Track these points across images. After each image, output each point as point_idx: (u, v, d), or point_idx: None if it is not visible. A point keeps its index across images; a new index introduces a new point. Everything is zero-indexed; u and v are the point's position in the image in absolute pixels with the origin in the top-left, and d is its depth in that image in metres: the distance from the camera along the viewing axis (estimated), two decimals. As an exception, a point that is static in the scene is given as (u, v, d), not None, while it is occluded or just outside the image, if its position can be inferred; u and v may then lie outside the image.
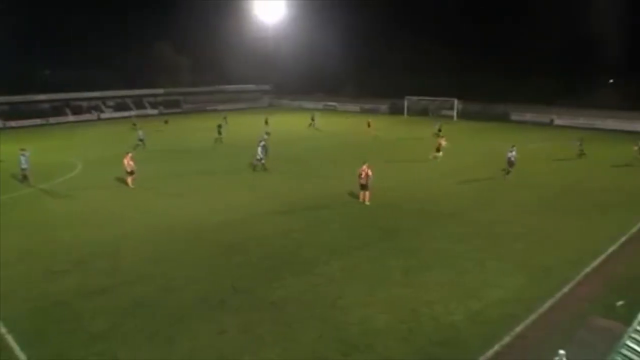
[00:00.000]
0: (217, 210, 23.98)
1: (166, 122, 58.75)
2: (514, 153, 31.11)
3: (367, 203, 24.46)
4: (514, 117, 63.58)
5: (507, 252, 18.34)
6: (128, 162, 28.62)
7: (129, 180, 28.79)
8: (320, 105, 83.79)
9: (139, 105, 78.86)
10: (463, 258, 17.70)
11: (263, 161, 32.69)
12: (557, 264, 17.13)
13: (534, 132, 51.09)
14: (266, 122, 55.16)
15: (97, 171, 33.57)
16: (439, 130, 48.16)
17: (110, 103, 77.01)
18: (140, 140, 43.30)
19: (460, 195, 26.78)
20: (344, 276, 16.24)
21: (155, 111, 78.46)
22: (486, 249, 18.58)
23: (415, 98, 71.03)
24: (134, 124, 57.45)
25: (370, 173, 24.19)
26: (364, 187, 24.52)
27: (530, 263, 17.28)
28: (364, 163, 24.51)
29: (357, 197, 25.33)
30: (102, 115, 73.45)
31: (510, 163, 30.95)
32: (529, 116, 62.18)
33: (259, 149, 32.61)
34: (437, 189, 28.03)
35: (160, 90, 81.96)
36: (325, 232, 20.72)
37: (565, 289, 15.15)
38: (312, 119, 57.47)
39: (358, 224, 21.75)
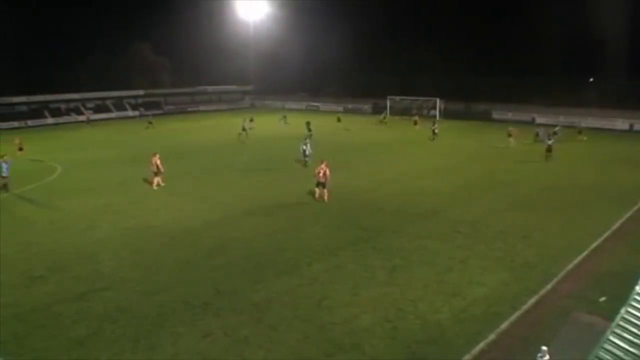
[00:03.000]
0: (200, 211, 23.80)
1: (251, 119, 59.06)
2: (552, 140, 36.82)
3: (326, 201, 24.84)
4: (496, 115, 64.12)
5: (490, 249, 18.50)
6: (155, 163, 28.20)
7: (156, 180, 28.40)
8: (303, 105, 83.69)
9: (119, 106, 77.80)
10: (446, 256, 17.81)
11: (308, 158, 33.88)
12: (540, 261, 17.34)
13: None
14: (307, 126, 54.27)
15: (77, 175, 33.11)
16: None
17: (90, 105, 75.85)
18: (244, 130, 47.73)
19: (442, 193, 26.93)
20: (328, 276, 16.23)
21: (135, 113, 77.64)
22: (469, 247, 18.72)
23: (397, 98, 71.29)
24: (150, 122, 59.72)
25: (328, 172, 24.79)
26: (321, 185, 25.03)
27: (512, 260, 17.47)
28: (321, 162, 25.16)
29: (341, 198, 25.54)
30: (83, 118, 72.02)
31: (549, 149, 35.90)
32: (510, 115, 62.64)
33: (308, 146, 34.53)
34: (419, 188, 28.15)
35: (141, 92, 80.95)
36: (308, 233, 20.69)
37: (549, 286, 15.33)
38: (384, 117, 63.28)
39: (340, 224, 21.73)
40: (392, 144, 45.42)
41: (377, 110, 72.80)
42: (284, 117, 61.70)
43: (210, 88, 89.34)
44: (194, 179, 31.13)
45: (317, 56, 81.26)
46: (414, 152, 40.67)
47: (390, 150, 41.58)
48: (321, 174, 24.84)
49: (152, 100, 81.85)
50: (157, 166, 28.26)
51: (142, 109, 78.58)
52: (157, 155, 28.53)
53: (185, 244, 19.60)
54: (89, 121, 68.45)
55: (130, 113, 77.36)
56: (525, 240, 19.45)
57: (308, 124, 49.79)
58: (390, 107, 71.13)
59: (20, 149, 40.17)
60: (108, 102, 77.73)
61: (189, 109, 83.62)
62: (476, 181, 29.92)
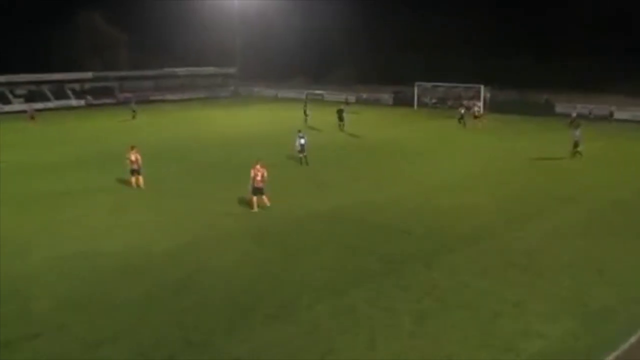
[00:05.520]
0: (166, 231, 23.83)
1: (346, 103, 68.63)
2: (579, 132, 39.76)
3: (269, 205, 26.53)
4: (560, 109, 63.73)
5: (552, 288, 18.34)
6: (135, 158, 30.27)
7: (135, 180, 30.57)
8: (302, 94, 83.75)
9: (60, 94, 78.22)
10: (493, 297, 17.66)
11: (305, 154, 36.79)
12: (619, 304, 17.14)
13: (586, 129, 51.32)
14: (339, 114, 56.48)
15: (2, 183, 33.10)
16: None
17: (21, 91, 76.07)
18: (306, 115, 57.07)
19: (487, 211, 26.88)
20: (335, 323, 16.07)
21: (80, 102, 77.97)
22: (523, 285, 18.56)
23: (428, 85, 71.20)
24: (134, 111, 65.12)
25: (265, 174, 26.40)
26: (258, 191, 26.41)
27: (582, 303, 17.27)
28: (256, 162, 26.63)
29: (354, 215, 25.53)
30: (11, 108, 71.70)
31: (576, 144, 38.92)
32: (579, 108, 61.61)
33: (303, 141, 36.88)
34: (457, 204, 28.02)
35: (88, 74, 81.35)
36: (308, 263, 20.63)
37: (632, 339, 15.10)
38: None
39: (352, 252, 21.66)
40: (419, 144, 45.53)
41: (401, 101, 72.74)
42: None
43: (180, 70, 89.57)
44: (159, 188, 31.10)
45: (321, 32, 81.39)
46: (448, 155, 40.70)
47: (417, 153, 41.67)
48: (259, 178, 26.20)
49: (103, 85, 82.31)
50: (137, 163, 30.19)
51: (89, 97, 78.94)
52: (136, 149, 30.36)
53: (145, 276, 19.52)
54: (32, 116, 62.72)
55: (74, 102, 77.92)
56: (600, 276, 19.31)
57: (340, 112, 54.06)
58: (419, 96, 71.13)
59: None
60: (44, 88, 78.14)
61: (152, 98, 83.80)
62: (531, 194, 29.88)
